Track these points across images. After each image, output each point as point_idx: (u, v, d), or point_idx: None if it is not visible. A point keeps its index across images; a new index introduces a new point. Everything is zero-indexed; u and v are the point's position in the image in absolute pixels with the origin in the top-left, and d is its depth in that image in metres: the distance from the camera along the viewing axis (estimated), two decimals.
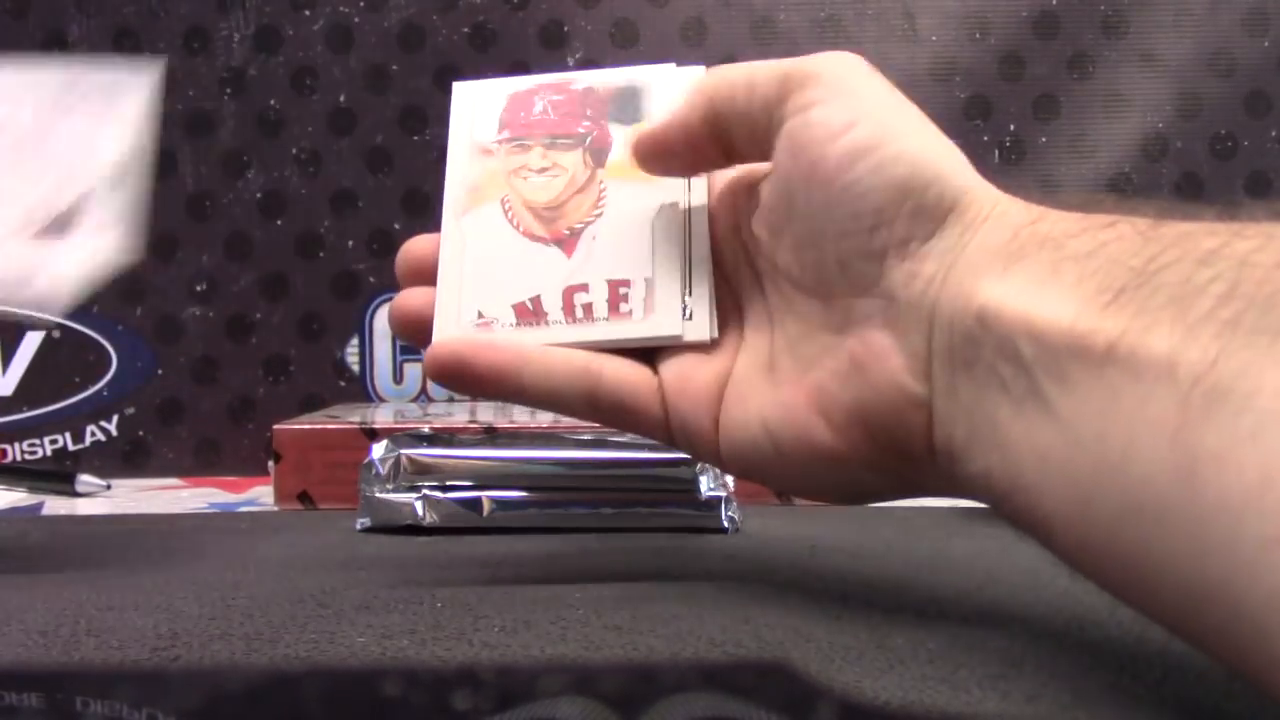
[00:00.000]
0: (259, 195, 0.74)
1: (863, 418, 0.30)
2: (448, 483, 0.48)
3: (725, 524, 0.48)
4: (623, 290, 0.36)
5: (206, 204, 0.74)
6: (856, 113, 0.31)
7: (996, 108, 0.74)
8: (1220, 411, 0.21)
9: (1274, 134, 0.74)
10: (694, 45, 0.74)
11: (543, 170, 0.38)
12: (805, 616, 0.32)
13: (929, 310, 0.29)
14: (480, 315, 0.36)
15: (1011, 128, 0.74)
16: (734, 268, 0.36)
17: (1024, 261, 0.27)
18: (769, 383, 0.33)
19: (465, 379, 0.34)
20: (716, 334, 0.35)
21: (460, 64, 0.73)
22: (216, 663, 0.29)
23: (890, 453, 0.30)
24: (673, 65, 0.39)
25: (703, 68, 0.39)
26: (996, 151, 0.74)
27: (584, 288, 0.36)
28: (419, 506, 0.48)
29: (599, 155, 0.38)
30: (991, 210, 0.29)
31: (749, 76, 0.33)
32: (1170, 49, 0.74)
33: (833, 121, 0.31)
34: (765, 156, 0.34)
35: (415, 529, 0.48)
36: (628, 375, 0.34)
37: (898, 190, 0.30)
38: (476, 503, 0.48)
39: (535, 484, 0.48)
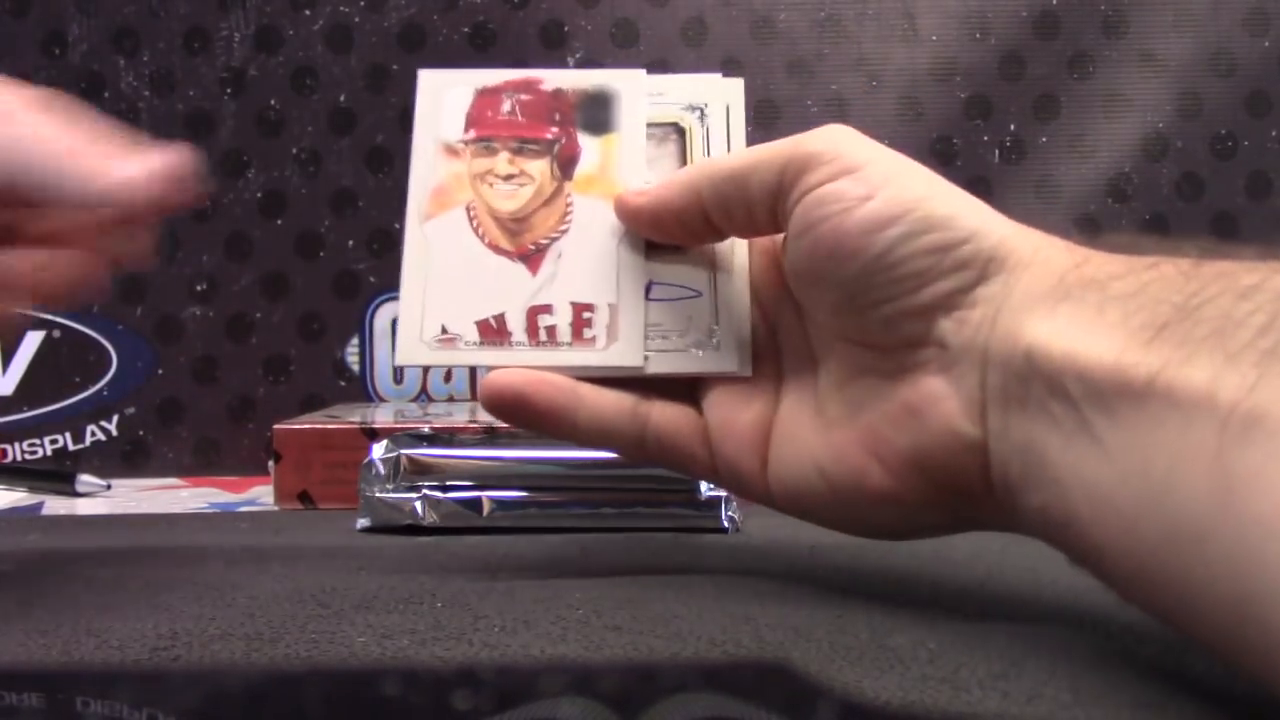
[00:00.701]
0: (259, 195, 0.74)
1: (919, 462, 0.30)
2: (448, 483, 0.48)
3: (725, 524, 0.48)
4: (586, 315, 0.36)
5: (207, 204, 0.74)
6: (870, 185, 0.31)
7: (996, 108, 0.74)
8: (1256, 435, 0.21)
9: (1274, 134, 0.74)
10: (694, 45, 0.74)
11: (509, 177, 0.37)
12: (805, 616, 0.32)
13: (980, 354, 0.29)
14: (444, 330, 0.36)
15: (1011, 128, 0.74)
16: (772, 304, 0.36)
17: (1069, 302, 0.27)
18: (819, 425, 0.33)
19: (524, 414, 0.35)
20: (750, 371, 0.35)
21: (461, 64, 0.73)
22: (216, 663, 0.29)
23: (948, 492, 0.30)
24: (643, 71, 0.39)
25: (686, 76, 0.39)
26: (996, 151, 0.74)
27: (548, 309, 0.36)
28: (419, 506, 0.48)
29: (566, 166, 0.37)
30: (1034, 256, 0.29)
31: (742, 171, 0.33)
32: (1170, 49, 0.74)
33: (846, 195, 0.31)
34: (761, 234, 0.35)
35: (415, 529, 0.48)
36: (674, 418, 0.35)
37: (935, 253, 0.30)
38: (476, 503, 0.48)
39: (535, 484, 0.48)
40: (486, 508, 0.48)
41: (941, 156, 0.73)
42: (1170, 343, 0.24)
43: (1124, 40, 0.74)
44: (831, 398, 0.33)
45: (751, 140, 0.37)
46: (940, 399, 0.30)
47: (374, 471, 0.49)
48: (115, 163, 0.35)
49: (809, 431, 0.33)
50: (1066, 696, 0.26)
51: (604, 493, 0.48)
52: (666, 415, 0.35)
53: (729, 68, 0.73)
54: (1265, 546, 0.21)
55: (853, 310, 0.32)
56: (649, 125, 0.38)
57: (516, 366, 0.35)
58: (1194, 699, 0.26)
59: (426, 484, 0.48)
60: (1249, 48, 0.74)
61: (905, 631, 0.31)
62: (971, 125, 0.74)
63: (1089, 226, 0.73)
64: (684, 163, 0.38)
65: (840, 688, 0.26)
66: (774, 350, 0.36)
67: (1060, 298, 0.28)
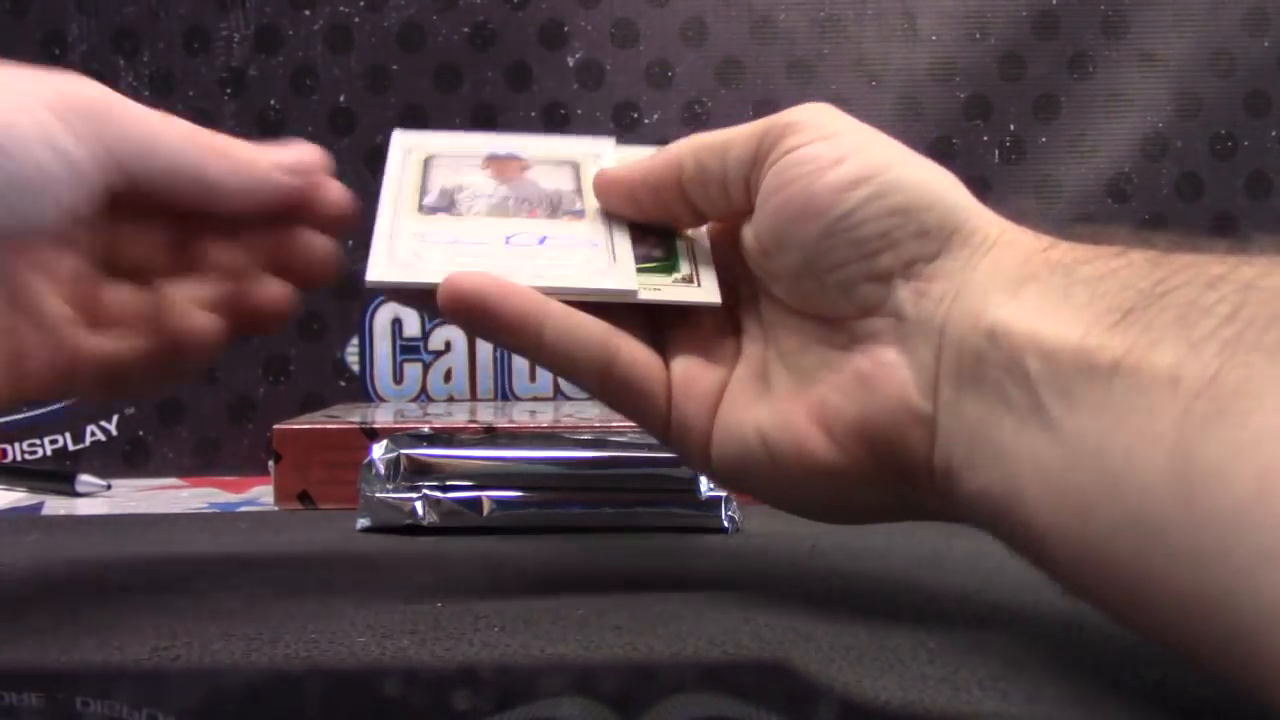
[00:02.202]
0: None
1: (865, 432, 0.30)
2: (448, 483, 0.48)
3: (725, 524, 0.48)
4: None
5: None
6: (842, 149, 0.31)
7: (996, 108, 0.74)
8: (1218, 425, 0.21)
9: (1274, 134, 0.74)
10: (694, 45, 0.74)
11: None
12: (805, 616, 0.32)
13: (938, 328, 0.29)
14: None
15: (1011, 128, 0.74)
16: (730, 280, 0.36)
17: (1035, 284, 0.27)
18: (763, 393, 0.33)
19: (486, 319, 0.32)
20: (717, 299, 0.35)
21: (460, 64, 0.73)
22: (216, 663, 0.29)
23: (889, 469, 0.30)
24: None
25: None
26: (996, 151, 0.74)
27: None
28: (419, 506, 0.48)
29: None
30: (1000, 236, 0.30)
31: (724, 143, 0.33)
32: (1170, 49, 0.74)
33: (821, 158, 0.31)
34: (734, 212, 0.34)
35: (415, 529, 0.48)
36: (643, 358, 0.34)
37: (900, 214, 0.30)
38: (476, 503, 0.48)
39: (535, 484, 0.48)
40: (486, 508, 0.48)
41: (941, 156, 0.73)
42: (1136, 327, 0.24)
43: (1124, 40, 0.74)
44: (777, 367, 0.33)
45: None
46: (894, 369, 0.30)
47: (374, 471, 0.49)
48: (254, 153, 0.35)
49: (754, 400, 0.33)
50: (1066, 697, 0.26)
51: (604, 493, 0.48)
52: (637, 354, 0.34)
53: (729, 68, 0.73)
54: (1228, 541, 0.21)
55: (812, 275, 0.32)
56: (552, 161, 0.40)
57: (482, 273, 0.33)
58: (1192, 700, 0.26)
59: (426, 484, 0.48)
60: (1249, 48, 0.74)
61: (905, 632, 0.31)
62: (971, 125, 0.74)
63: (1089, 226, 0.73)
64: (579, 184, 0.39)
65: (840, 688, 0.26)
66: (731, 321, 0.36)
67: (1025, 279, 0.28)
